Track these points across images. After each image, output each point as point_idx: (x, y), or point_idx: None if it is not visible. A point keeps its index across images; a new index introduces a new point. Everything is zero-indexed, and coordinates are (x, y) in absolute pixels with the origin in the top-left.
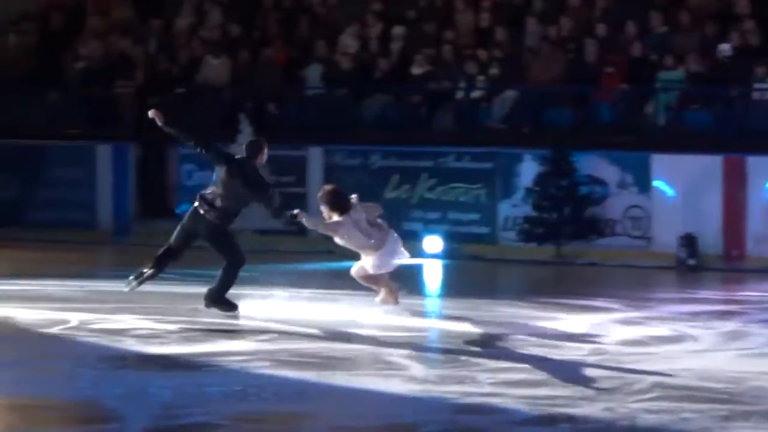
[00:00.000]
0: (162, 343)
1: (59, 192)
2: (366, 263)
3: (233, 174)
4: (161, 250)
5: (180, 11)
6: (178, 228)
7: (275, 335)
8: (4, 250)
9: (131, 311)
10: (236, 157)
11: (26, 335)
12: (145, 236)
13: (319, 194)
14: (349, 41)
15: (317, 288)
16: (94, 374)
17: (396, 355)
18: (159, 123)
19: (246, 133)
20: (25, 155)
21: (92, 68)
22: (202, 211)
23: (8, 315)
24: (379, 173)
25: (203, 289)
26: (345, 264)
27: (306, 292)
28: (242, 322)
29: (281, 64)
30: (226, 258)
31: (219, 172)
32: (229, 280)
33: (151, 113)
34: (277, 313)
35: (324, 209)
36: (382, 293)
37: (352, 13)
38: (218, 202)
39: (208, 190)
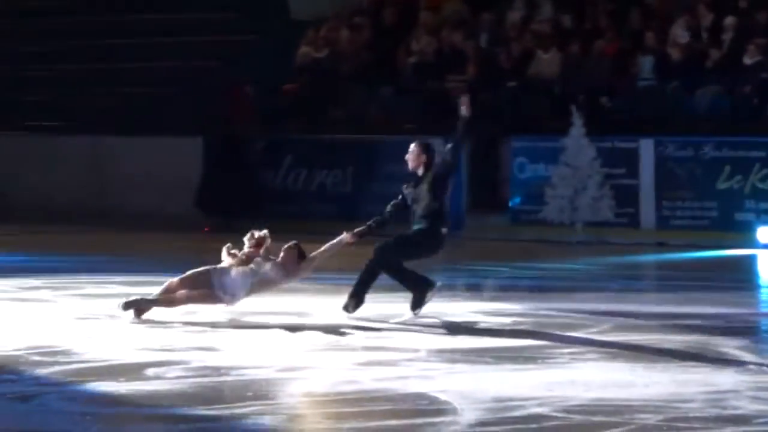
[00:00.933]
0: (493, 336)
1: (392, 187)
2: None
3: None
4: (412, 277)
5: (512, 4)
6: (416, 252)
7: (606, 328)
8: None
9: (463, 304)
10: None
11: (356, 328)
12: (477, 230)
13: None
14: (680, 32)
15: (648, 280)
16: (423, 367)
17: (728, 345)
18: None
19: (578, 126)
20: (360, 150)
21: (425, 63)
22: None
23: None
24: (711, 164)
25: (538, 283)
26: (677, 255)
27: (638, 284)
28: (573, 314)
29: (612, 56)
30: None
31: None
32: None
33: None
34: (608, 306)
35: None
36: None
37: (683, 3)
38: None
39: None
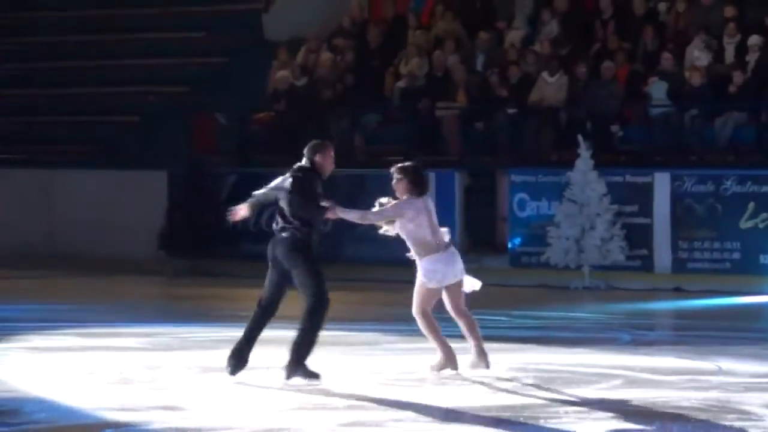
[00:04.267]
0: (491, 392)
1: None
2: (419, 275)
3: None
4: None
5: (512, 23)
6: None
7: (616, 384)
8: None
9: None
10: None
11: (337, 385)
12: (472, 273)
13: (397, 170)
14: (698, 53)
15: (663, 330)
16: (411, 428)
17: (752, 403)
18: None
19: (585, 158)
20: (343, 184)
21: (414, 87)
22: None
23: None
24: (733, 200)
25: (539, 334)
26: (695, 302)
27: (651, 335)
28: (579, 369)
29: (623, 79)
30: None
31: None
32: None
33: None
34: (618, 359)
35: (397, 191)
36: (439, 358)
37: (703, 21)
38: None
39: None
